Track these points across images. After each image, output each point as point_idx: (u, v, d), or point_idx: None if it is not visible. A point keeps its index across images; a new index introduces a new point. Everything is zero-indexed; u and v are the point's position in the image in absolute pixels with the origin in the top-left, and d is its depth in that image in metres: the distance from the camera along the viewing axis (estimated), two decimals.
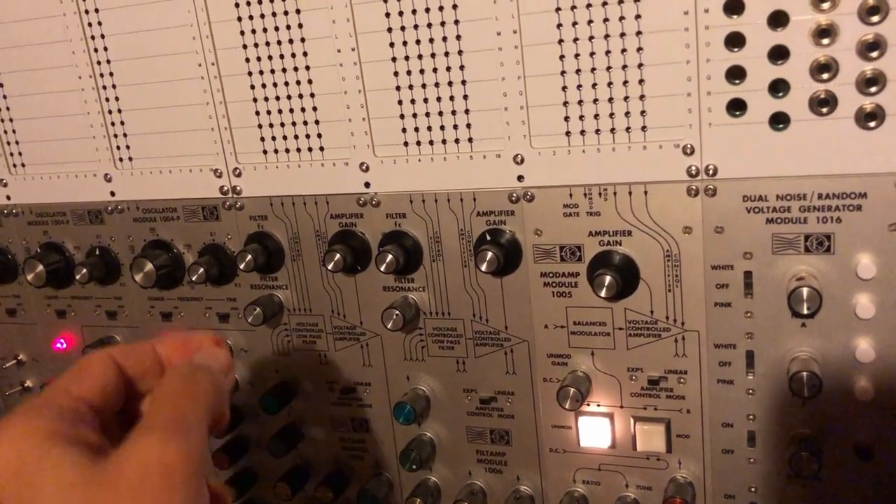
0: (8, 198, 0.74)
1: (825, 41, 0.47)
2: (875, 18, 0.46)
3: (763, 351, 0.54)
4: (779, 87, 0.49)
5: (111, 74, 0.66)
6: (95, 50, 0.66)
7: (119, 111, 0.67)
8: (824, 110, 0.48)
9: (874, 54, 0.47)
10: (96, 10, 0.64)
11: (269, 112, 0.62)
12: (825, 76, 0.48)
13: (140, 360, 0.42)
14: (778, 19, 0.48)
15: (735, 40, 0.49)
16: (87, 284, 0.71)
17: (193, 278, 0.65)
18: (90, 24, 0.65)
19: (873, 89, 0.47)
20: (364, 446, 0.69)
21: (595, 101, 0.53)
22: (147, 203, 0.69)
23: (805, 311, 0.50)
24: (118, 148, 0.68)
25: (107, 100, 0.67)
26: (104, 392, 0.40)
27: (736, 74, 0.50)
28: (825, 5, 0.47)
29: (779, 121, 0.50)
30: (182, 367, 0.42)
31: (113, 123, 0.67)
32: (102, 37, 0.65)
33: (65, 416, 0.37)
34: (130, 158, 0.68)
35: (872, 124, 0.48)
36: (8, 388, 0.81)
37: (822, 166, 0.50)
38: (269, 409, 0.68)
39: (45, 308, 0.76)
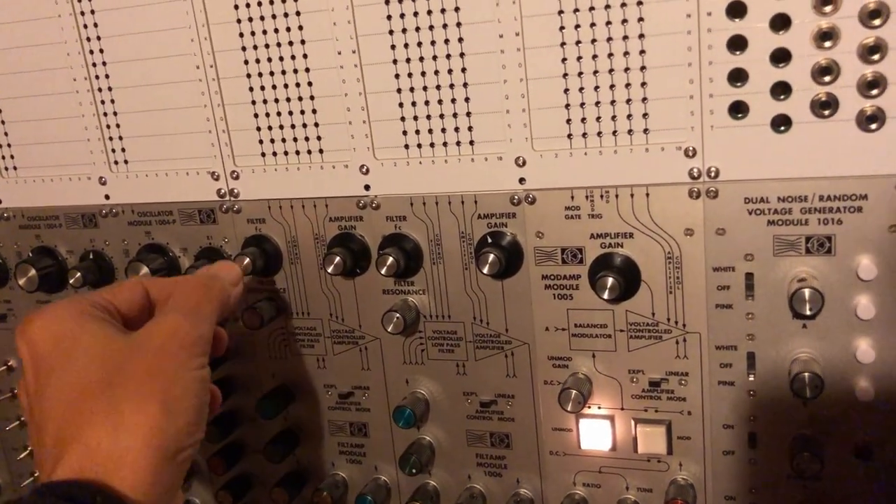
0: None
1: (827, 44, 0.48)
2: (876, 22, 0.46)
3: (764, 352, 0.54)
4: (780, 90, 0.50)
5: (107, 76, 0.65)
6: (91, 52, 0.65)
7: (115, 113, 0.66)
8: (826, 113, 0.49)
9: (875, 57, 0.47)
10: (92, 12, 0.64)
11: (267, 114, 0.62)
12: (826, 79, 0.48)
13: (165, 286, 0.52)
14: (780, 22, 0.48)
15: (737, 43, 0.49)
16: (80, 289, 0.70)
17: None
18: (86, 26, 0.64)
19: (874, 92, 0.48)
20: (362, 450, 0.68)
21: (597, 103, 0.53)
22: (142, 206, 0.68)
23: (808, 312, 0.50)
24: (113, 150, 0.67)
25: (102, 102, 0.66)
26: (131, 304, 0.49)
27: (738, 77, 0.50)
28: (827, 9, 0.47)
29: (780, 123, 0.50)
30: (200, 272, 0.55)
31: (108, 126, 0.67)
32: (98, 38, 0.64)
33: (96, 305, 0.47)
34: (126, 161, 0.67)
35: (873, 126, 0.48)
36: None
37: (823, 168, 0.50)
38: (265, 414, 0.67)
39: None
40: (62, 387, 0.43)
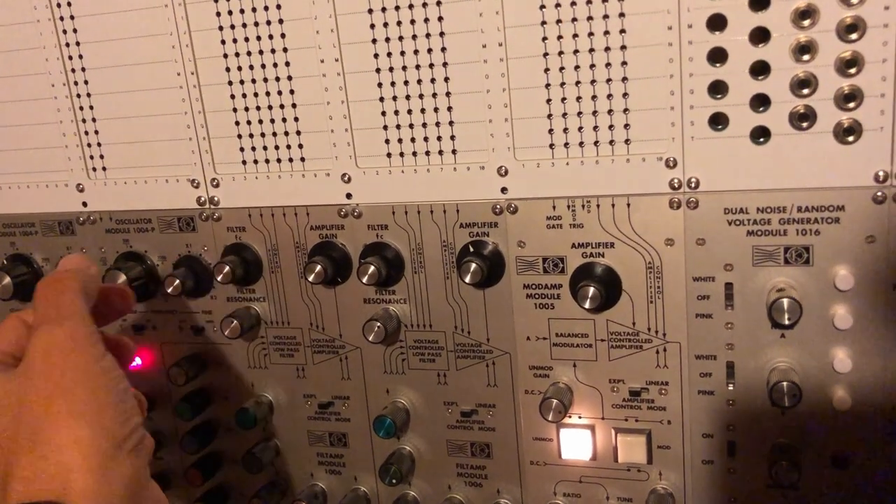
0: None
1: (805, 57, 0.48)
2: (853, 36, 0.47)
3: (743, 362, 0.55)
4: (759, 102, 0.50)
5: (86, 83, 0.65)
6: (70, 57, 0.64)
7: (94, 120, 0.66)
8: (804, 125, 0.50)
9: (852, 71, 0.48)
10: (72, 17, 0.63)
11: (249, 122, 0.62)
12: (805, 91, 0.49)
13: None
14: (759, 36, 0.49)
15: (717, 56, 0.50)
16: None
17: (169, 290, 0.64)
18: (65, 31, 0.64)
19: (851, 105, 0.48)
20: (342, 461, 0.68)
21: (579, 114, 0.54)
22: (121, 214, 0.67)
23: (786, 322, 0.51)
24: (91, 157, 0.67)
25: (80, 108, 0.66)
26: (14, 342, 0.47)
27: (718, 89, 0.51)
28: (805, 23, 0.48)
29: (759, 135, 0.51)
30: (44, 279, 0.49)
31: (87, 132, 0.66)
32: (78, 44, 0.64)
33: None
34: (104, 168, 0.67)
35: (850, 139, 0.49)
36: None
37: (802, 180, 0.51)
38: (244, 425, 0.67)
39: None
40: None
